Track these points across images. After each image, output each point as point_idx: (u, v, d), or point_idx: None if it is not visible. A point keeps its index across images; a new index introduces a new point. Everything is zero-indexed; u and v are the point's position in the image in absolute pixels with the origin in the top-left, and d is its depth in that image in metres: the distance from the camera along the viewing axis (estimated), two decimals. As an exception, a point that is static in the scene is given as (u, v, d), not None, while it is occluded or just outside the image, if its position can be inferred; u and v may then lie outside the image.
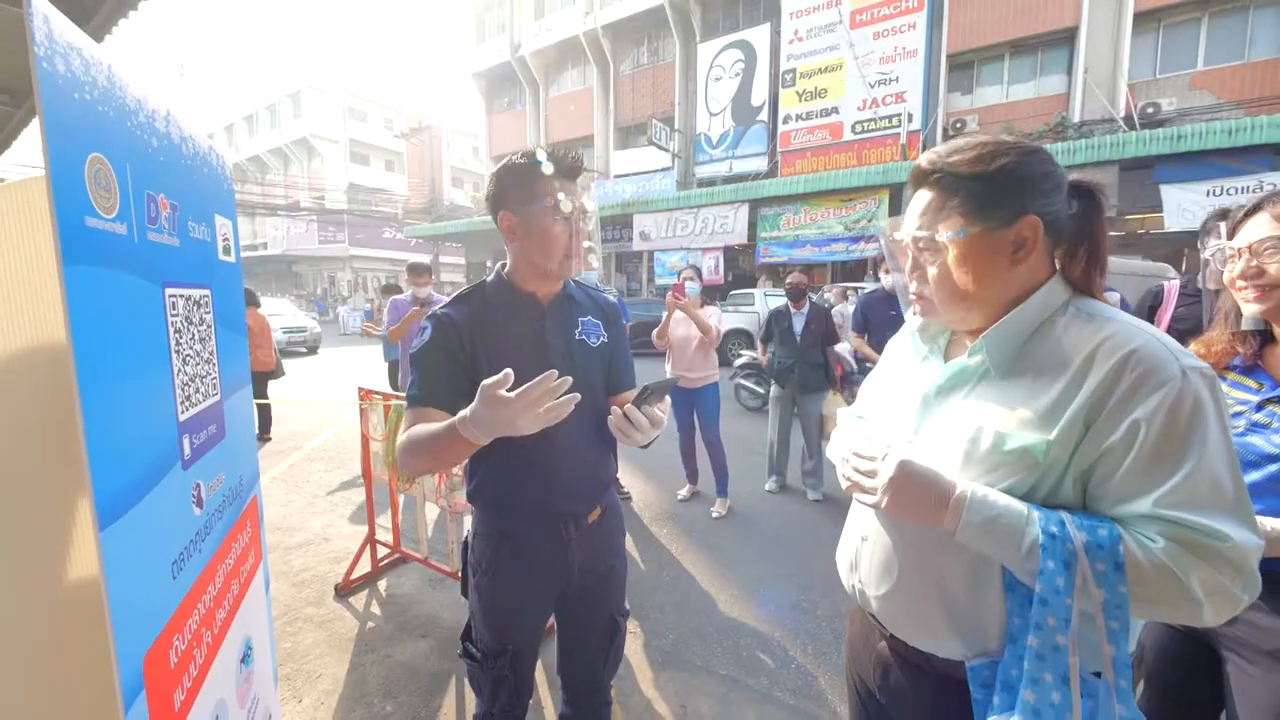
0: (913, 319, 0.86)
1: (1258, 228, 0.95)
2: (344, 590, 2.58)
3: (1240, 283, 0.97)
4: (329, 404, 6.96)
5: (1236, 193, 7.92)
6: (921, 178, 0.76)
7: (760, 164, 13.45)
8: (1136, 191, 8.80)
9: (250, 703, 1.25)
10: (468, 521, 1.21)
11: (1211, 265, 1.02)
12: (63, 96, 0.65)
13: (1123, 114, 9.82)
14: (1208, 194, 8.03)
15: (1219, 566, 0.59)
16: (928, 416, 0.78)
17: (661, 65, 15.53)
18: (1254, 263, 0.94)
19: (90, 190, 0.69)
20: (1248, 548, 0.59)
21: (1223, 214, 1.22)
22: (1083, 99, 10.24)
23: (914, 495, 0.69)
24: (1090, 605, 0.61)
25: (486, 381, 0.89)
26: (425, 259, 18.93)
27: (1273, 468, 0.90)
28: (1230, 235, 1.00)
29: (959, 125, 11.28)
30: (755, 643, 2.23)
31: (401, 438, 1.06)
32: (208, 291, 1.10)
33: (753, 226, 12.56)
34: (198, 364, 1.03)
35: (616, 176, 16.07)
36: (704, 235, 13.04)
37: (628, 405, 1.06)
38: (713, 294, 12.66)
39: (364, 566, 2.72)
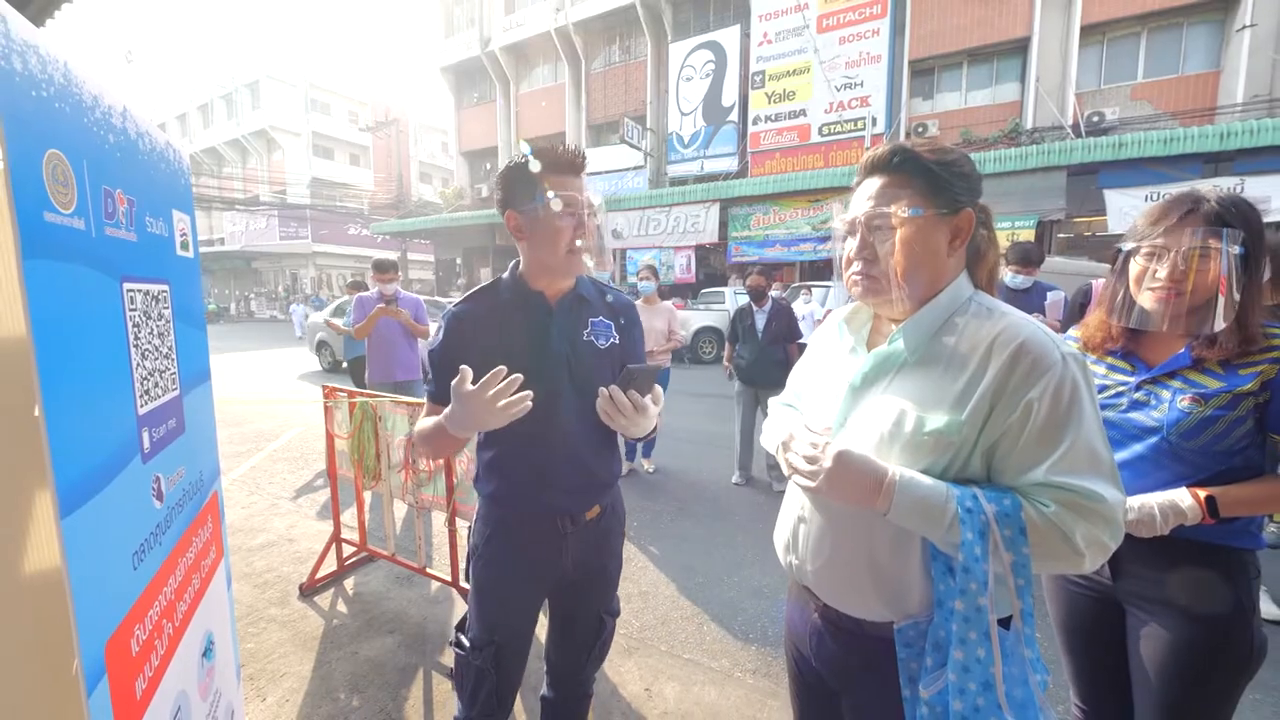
0: (841, 309, 0.94)
1: (1192, 236, 0.94)
2: (308, 589, 2.56)
3: (1161, 281, 0.97)
4: (295, 403, 6.78)
5: (1171, 198, 8.50)
6: (877, 165, 0.82)
7: (731, 164, 13.63)
8: (1083, 196, 9.30)
9: (213, 696, 1.26)
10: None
11: (1134, 256, 1.02)
12: (20, 94, 0.66)
13: (1070, 122, 10.34)
14: (1146, 199, 8.55)
15: (1095, 522, 0.70)
16: (855, 404, 0.86)
17: (633, 64, 15.55)
18: (1182, 267, 0.95)
19: (49, 186, 0.70)
20: (1116, 505, 0.70)
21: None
22: (1035, 107, 10.74)
23: (852, 481, 0.76)
24: (1001, 567, 0.71)
25: (455, 381, 0.97)
26: (393, 255, 18.45)
27: (1152, 439, 1.02)
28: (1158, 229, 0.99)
29: (920, 129, 11.67)
30: (718, 627, 2.32)
31: (415, 428, 1.16)
32: (166, 286, 1.10)
33: (724, 226, 12.73)
34: (156, 358, 1.03)
35: (589, 174, 16.01)
36: (676, 234, 13.16)
37: (611, 386, 1.06)
38: (684, 292, 12.92)
39: (329, 565, 2.70)
